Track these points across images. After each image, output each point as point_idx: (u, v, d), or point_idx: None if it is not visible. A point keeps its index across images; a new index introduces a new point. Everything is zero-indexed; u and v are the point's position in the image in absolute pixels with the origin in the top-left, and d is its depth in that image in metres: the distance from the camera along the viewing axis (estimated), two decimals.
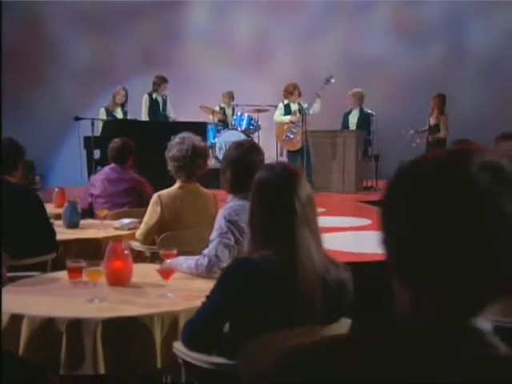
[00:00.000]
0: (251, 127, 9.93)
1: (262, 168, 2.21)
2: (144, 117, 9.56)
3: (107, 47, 11.56)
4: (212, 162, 10.14)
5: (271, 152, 10.01)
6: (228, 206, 3.13)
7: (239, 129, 9.84)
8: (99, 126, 8.20)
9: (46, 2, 11.39)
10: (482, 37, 12.70)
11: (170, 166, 4.07)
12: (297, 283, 1.93)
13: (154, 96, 9.62)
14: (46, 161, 10.13)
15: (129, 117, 9.14)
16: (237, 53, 11.98)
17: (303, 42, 12.20)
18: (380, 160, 9.48)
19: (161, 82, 9.56)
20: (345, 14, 12.47)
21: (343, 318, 2.06)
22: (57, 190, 5.46)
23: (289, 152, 9.10)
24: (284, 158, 9.11)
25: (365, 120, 9.31)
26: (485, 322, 0.94)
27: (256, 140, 10.35)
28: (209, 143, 10.03)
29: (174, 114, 9.85)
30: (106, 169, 5.24)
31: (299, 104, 9.10)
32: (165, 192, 4.07)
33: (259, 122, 10.23)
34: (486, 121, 11.28)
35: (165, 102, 9.78)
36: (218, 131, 9.95)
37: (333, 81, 8.99)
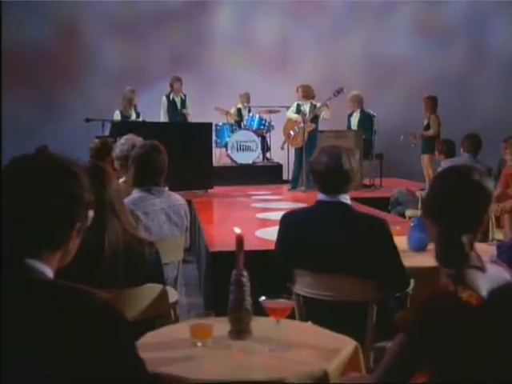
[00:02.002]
0: (262, 127, 10.44)
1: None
2: (162, 118, 10.19)
3: (137, 51, 12.24)
4: (225, 160, 10.76)
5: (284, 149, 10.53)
6: (130, 197, 3.69)
7: (251, 129, 10.39)
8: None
9: (81, 10, 12.17)
10: (504, 37, 12.78)
11: (116, 164, 4.61)
12: (103, 254, 2.48)
13: (171, 97, 10.24)
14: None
15: (148, 118, 9.79)
16: (260, 55, 12.45)
17: (325, 45, 12.54)
18: (385, 159, 9.87)
19: (173, 81, 10.14)
20: (366, 16, 12.75)
21: (148, 283, 2.59)
22: None
23: (295, 149, 9.59)
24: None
25: (366, 121, 9.64)
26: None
27: (268, 139, 10.91)
28: (223, 142, 10.62)
29: (191, 112, 10.35)
30: None
31: (311, 104, 9.55)
32: None
33: (272, 123, 10.73)
34: (509, 120, 11.44)
35: (183, 101, 10.33)
36: (232, 131, 10.52)
37: (342, 93, 9.35)
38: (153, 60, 12.25)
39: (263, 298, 2.06)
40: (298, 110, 9.52)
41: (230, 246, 4.84)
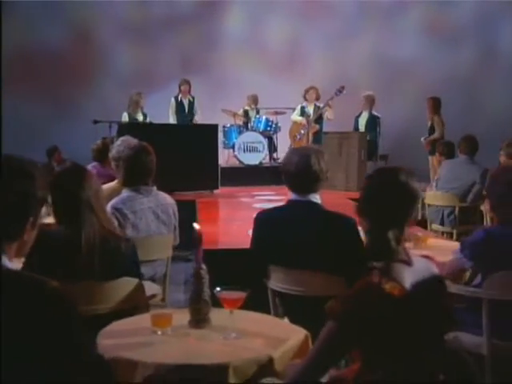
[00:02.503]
0: (268, 128, 10.59)
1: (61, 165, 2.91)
2: (171, 119, 10.38)
3: (148, 54, 12.44)
4: (232, 161, 10.92)
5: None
6: (119, 196, 3.87)
7: (258, 130, 10.54)
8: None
9: (95, 13, 12.41)
10: None
11: (112, 165, 4.78)
12: (80, 249, 2.66)
13: (179, 98, 10.42)
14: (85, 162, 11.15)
15: (159, 119, 9.98)
16: (269, 57, 12.58)
17: (334, 46, 12.64)
18: (391, 161, 9.99)
19: (181, 83, 10.32)
20: (376, 18, 12.83)
21: (124, 277, 2.76)
22: None
23: None
24: None
25: (373, 122, 9.76)
26: None
27: (275, 140, 11.05)
28: (230, 143, 10.77)
29: (199, 115, 10.50)
30: (88, 166, 6.04)
31: (315, 106, 9.69)
32: (105, 186, 4.78)
33: (279, 124, 10.87)
34: None
35: (191, 103, 10.51)
36: (239, 132, 10.67)
37: (344, 92, 9.46)
38: (163, 62, 12.45)
39: (218, 288, 2.22)
40: (303, 113, 9.65)
41: (220, 244, 5.02)
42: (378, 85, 12.28)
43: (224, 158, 10.97)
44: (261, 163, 10.71)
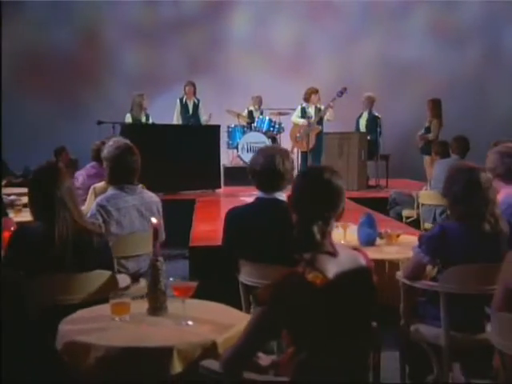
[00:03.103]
0: (271, 129, 10.74)
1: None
2: (175, 120, 10.54)
3: (156, 55, 12.64)
4: (236, 161, 11.09)
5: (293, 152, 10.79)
6: (104, 194, 4.05)
7: (261, 130, 10.71)
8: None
9: (103, 14, 12.66)
10: None
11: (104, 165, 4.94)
12: (54, 242, 2.85)
13: (183, 100, 10.61)
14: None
15: (166, 121, 10.19)
16: (276, 58, 12.71)
17: (340, 48, 12.75)
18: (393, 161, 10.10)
19: (185, 85, 10.51)
20: (381, 20, 12.92)
21: (97, 270, 2.94)
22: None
23: (301, 152, 9.87)
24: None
25: (373, 123, 9.87)
26: None
27: (279, 141, 11.18)
28: (235, 143, 10.93)
29: (206, 116, 10.61)
30: (88, 166, 6.24)
31: (316, 107, 9.83)
32: (98, 185, 4.95)
33: (282, 125, 11.00)
34: None
35: (196, 105, 10.69)
36: (243, 133, 10.84)
37: (346, 93, 9.58)
38: (170, 63, 12.63)
39: (171, 279, 2.39)
40: (303, 114, 9.79)
41: (210, 240, 5.18)
42: (384, 86, 12.40)
43: (229, 158, 11.16)
44: None
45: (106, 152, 4.76)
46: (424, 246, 3.15)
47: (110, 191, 4.03)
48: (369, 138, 9.71)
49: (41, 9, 12.34)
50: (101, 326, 2.34)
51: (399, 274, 3.35)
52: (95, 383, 2.16)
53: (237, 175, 10.46)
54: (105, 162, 4.70)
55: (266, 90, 11.53)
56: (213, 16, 12.83)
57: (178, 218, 6.04)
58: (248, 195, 9.11)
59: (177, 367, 2.10)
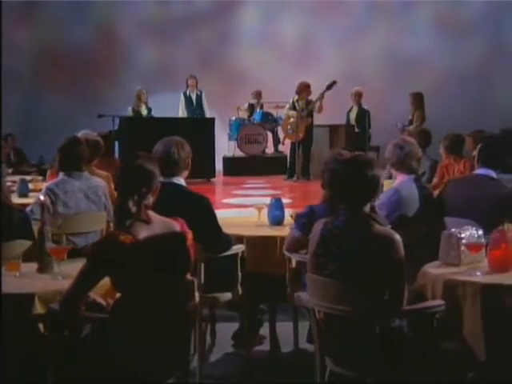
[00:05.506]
0: (264, 121, 11.30)
1: None
2: (181, 113, 11.17)
3: (168, 51, 13.28)
4: (238, 151, 11.65)
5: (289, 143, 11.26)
6: (54, 179, 4.70)
7: (257, 123, 11.30)
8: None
9: (118, 12, 13.36)
10: None
11: None
12: None
13: (187, 93, 11.20)
14: None
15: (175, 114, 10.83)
16: (284, 53, 13.20)
17: (347, 42, 13.12)
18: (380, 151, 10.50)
19: (188, 78, 11.12)
20: (387, 14, 13.20)
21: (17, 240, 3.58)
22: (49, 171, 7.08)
23: (291, 143, 10.40)
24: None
25: (362, 116, 10.31)
26: None
27: (279, 133, 11.64)
28: (235, 135, 11.50)
29: (208, 110, 11.26)
30: None
31: (306, 100, 10.30)
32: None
33: (282, 117, 11.50)
34: None
35: (199, 96, 11.25)
36: (241, 125, 11.42)
37: (336, 85, 10.00)
38: (182, 59, 13.16)
39: (50, 243, 3.02)
40: (294, 107, 10.29)
41: None
42: (389, 79, 12.77)
43: (231, 149, 11.72)
44: (263, 154, 11.43)
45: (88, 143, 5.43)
46: (296, 223, 3.70)
47: (60, 177, 4.66)
48: (357, 130, 10.16)
49: (60, 8, 13.06)
50: None
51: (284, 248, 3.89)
52: None
53: (236, 165, 11.11)
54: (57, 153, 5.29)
55: (274, 84, 11.98)
56: (223, 13, 13.40)
57: None
58: (237, 184, 9.77)
59: (38, 309, 2.73)
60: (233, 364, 4.08)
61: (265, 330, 4.26)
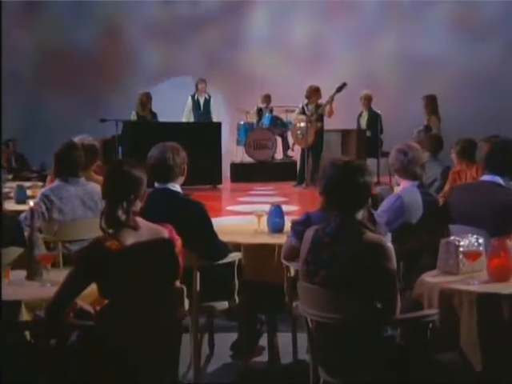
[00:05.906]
0: (273, 125, 11.19)
1: None
2: (186, 117, 11.03)
3: (174, 53, 13.15)
4: (246, 157, 11.56)
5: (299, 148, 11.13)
6: (50, 185, 4.67)
7: (266, 127, 11.20)
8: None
9: (124, 13, 13.25)
10: None
11: None
12: None
13: (195, 97, 11.11)
14: None
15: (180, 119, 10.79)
16: (294, 56, 13.00)
17: (359, 44, 12.88)
18: None
19: (197, 82, 10.99)
20: (400, 14, 12.92)
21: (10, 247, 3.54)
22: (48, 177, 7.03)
23: (301, 148, 10.29)
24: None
25: (374, 120, 10.08)
26: None
27: (288, 138, 11.52)
28: (243, 140, 11.40)
29: (216, 114, 11.12)
30: None
31: (316, 105, 10.17)
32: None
33: (292, 122, 11.36)
34: None
35: (207, 101, 11.13)
36: (250, 130, 11.33)
37: (345, 88, 9.86)
38: (188, 61, 13.03)
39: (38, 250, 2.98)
40: (304, 112, 10.17)
41: None
42: (402, 82, 12.56)
43: (239, 154, 11.62)
44: (272, 160, 11.33)
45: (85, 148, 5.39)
46: (292, 230, 3.63)
47: (56, 183, 4.61)
48: (369, 135, 9.99)
49: (63, 9, 12.96)
50: None
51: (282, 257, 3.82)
52: None
53: (245, 171, 10.99)
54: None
55: (284, 87, 11.79)
56: (230, 14, 13.21)
57: None
58: (244, 191, 9.65)
59: (25, 316, 2.68)
60: (231, 374, 4.01)
61: (265, 341, 4.18)
